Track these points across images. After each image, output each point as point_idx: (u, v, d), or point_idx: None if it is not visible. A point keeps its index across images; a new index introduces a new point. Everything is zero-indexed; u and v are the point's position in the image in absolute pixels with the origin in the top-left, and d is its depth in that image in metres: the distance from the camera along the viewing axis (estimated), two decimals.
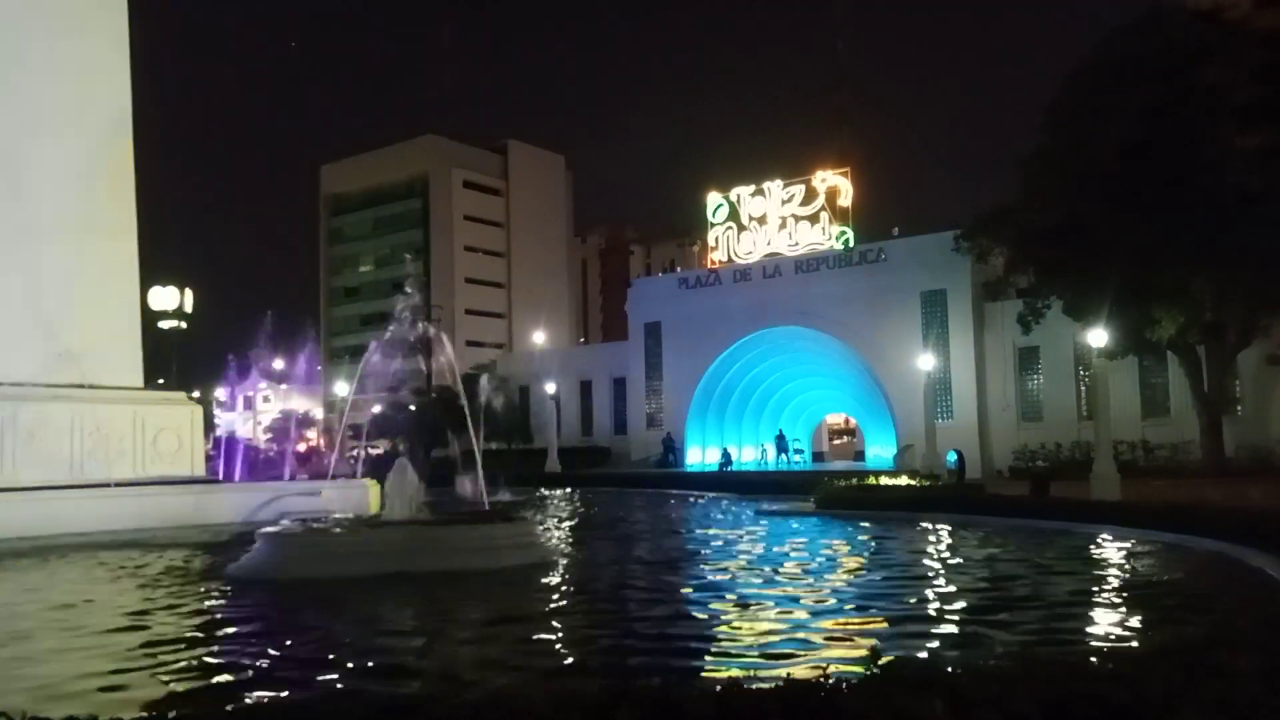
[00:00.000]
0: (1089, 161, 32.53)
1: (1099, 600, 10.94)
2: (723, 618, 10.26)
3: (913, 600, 11.27)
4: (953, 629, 9.49)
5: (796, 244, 49.36)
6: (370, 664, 8.34)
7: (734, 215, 51.34)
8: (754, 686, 4.65)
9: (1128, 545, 15.71)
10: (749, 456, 54.41)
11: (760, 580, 12.85)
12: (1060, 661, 5.14)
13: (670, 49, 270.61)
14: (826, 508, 23.76)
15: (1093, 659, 5.48)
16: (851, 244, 47.91)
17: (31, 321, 22.40)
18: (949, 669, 4.94)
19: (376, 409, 58.30)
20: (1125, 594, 11.33)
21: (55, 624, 10.39)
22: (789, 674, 6.77)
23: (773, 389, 55.63)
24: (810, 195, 49.11)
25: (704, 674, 7.58)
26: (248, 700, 6.98)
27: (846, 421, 74.63)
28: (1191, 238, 29.95)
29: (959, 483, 29.34)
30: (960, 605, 10.80)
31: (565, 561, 15.01)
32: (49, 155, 23.56)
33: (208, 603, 11.81)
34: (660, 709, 4.26)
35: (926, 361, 38.22)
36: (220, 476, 29.14)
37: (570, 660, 8.45)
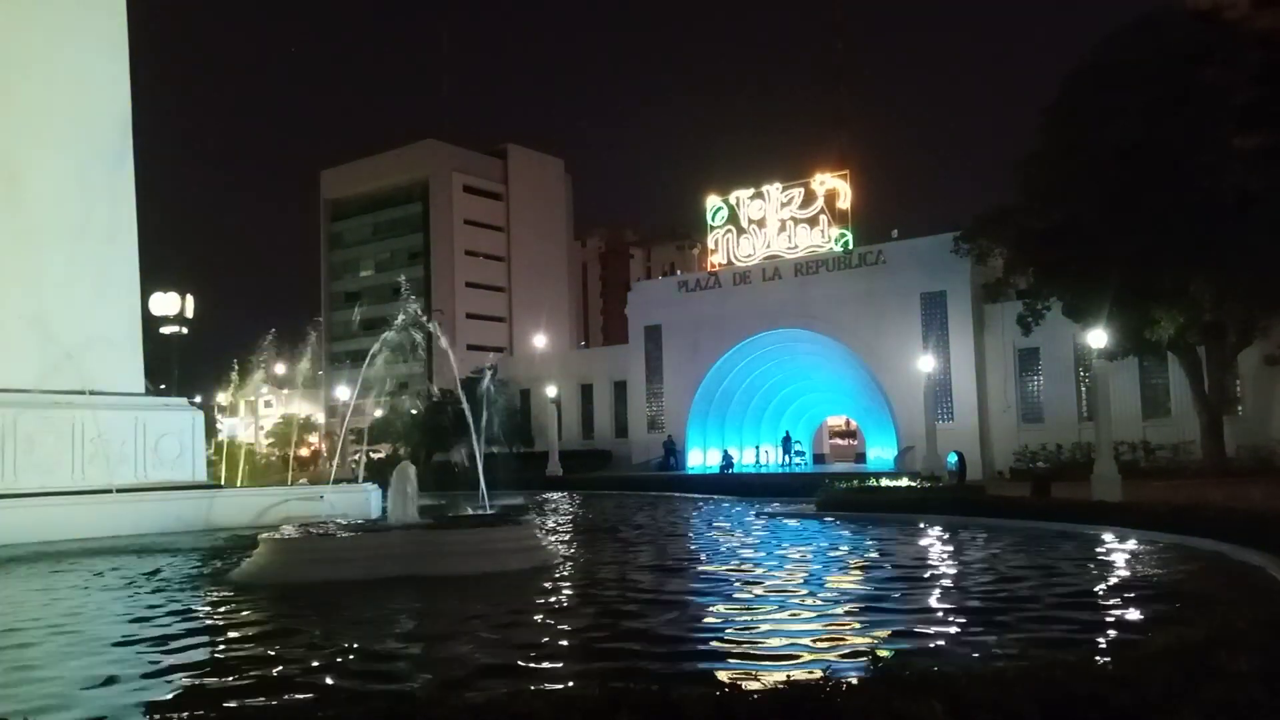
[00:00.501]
0: (1088, 162, 32.54)
1: (1099, 601, 10.94)
2: (723, 620, 10.27)
3: (912, 602, 11.28)
4: (952, 631, 9.50)
5: (796, 246, 49.38)
6: (371, 668, 8.36)
7: (733, 218, 51.37)
8: (754, 689, 4.66)
9: (1129, 546, 15.72)
10: (750, 459, 54.41)
11: (760, 582, 12.85)
12: (1060, 663, 5.15)
13: (669, 52, 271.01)
14: (827, 510, 23.79)
15: (1092, 660, 5.48)
16: (851, 246, 47.91)
17: (32, 328, 22.43)
18: (948, 671, 4.95)
19: (378, 413, 58.42)
20: (1125, 595, 11.33)
21: (57, 629, 10.40)
22: (789, 676, 6.78)
23: (773, 391, 55.63)
24: (809, 198, 49.13)
25: (704, 677, 7.59)
26: (249, 704, 7.00)
27: (847, 423, 74.57)
28: (1191, 238, 29.95)
29: (960, 484, 29.34)
30: (960, 607, 10.81)
31: (567, 565, 15.02)
32: (49, 161, 23.62)
33: (210, 607, 11.83)
34: (660, 712, 4.27)
35: (926, 363, 38.22)
36: (222, 482, 29.18)
37: (571, 664, 8.46)
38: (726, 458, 48.93)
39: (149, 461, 23.89)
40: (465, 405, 21.12)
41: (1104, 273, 31.34)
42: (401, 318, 22.87)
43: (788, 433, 53.43)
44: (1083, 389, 41.58)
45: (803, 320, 48.19)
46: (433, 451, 52.33)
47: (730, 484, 37.30)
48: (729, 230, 51.57)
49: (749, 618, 10.31)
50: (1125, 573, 13.34)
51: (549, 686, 7.43)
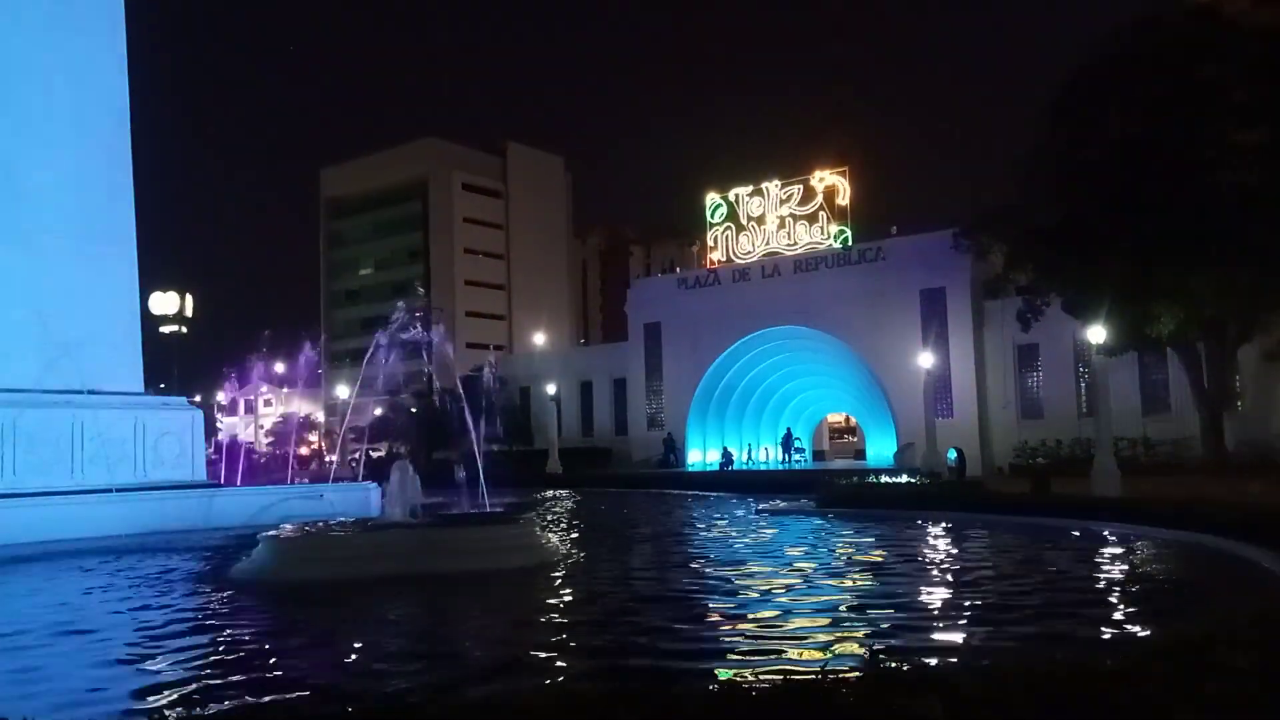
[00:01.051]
0: (1088, 159, 32.49)
1: (1099, 597, 10.95)
2: (723, 617, 10.28)
3: (911, 598, 11.29)
4: (952, 627, 9.51)
5: (795, 243, 49.36)
6: (370, 665, 8.37)
7: (732, 215, 51.35)
8: (753, 687, 4.66)
9: (1128, 542, 15.72)
10: (750, 456, 54.40)
11: (760, 580, 12.86)
12: (1059, 660, 5.15)
13: (668, 49, 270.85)
14: (827, 507, 23.79)
15: (1091, 657, 5.49)
16: (850, 243, 47.89)
17: (31, 327, 22.42)
18: (948, 668, 4.95)
19: (378, 411, 58.42)
20: (1124, 591, 11.35)
21: (57, 628, 10.40)
22: (788, 674, 6.78)
23: (773, 389, 55.63)
24: (809, 195, 49.10)
25: (704, 674, 7.59)
26: (248, 702, 7.00)
27: (847, 420, 74.53)
28: (1190, 234, 29.94)
29: (960, 480, 29.35)
30: (958, 603, 10.82)
31: (566, 563, 15.02)
32: (48, 161, 23.59)
33: (210, 605, 11.84)
34: (660, 710, 4.27)
35: (926, 359, 38.19)
36: (222, 481, 29.17)
37: (570, 661, 8.46)
38: (726, 455, 48.94)
39: (149, 461, 23.87)
40: (465, 403, 21.10)
41: (1104, 269, 31.33)
42: (401, 317, 22.84)
43: (789, 429, 53.46)
44: (1082, 385, 41.58)
45: (802, 317, 48.17)
46: (433, 449, 52.36)
47: (730, 481, 37.31)
48: (728, 227, 51.56)
49: (748, 615, 10.31)
50: (1124, 568, 13.35)
51: (549, 684, 7.45)
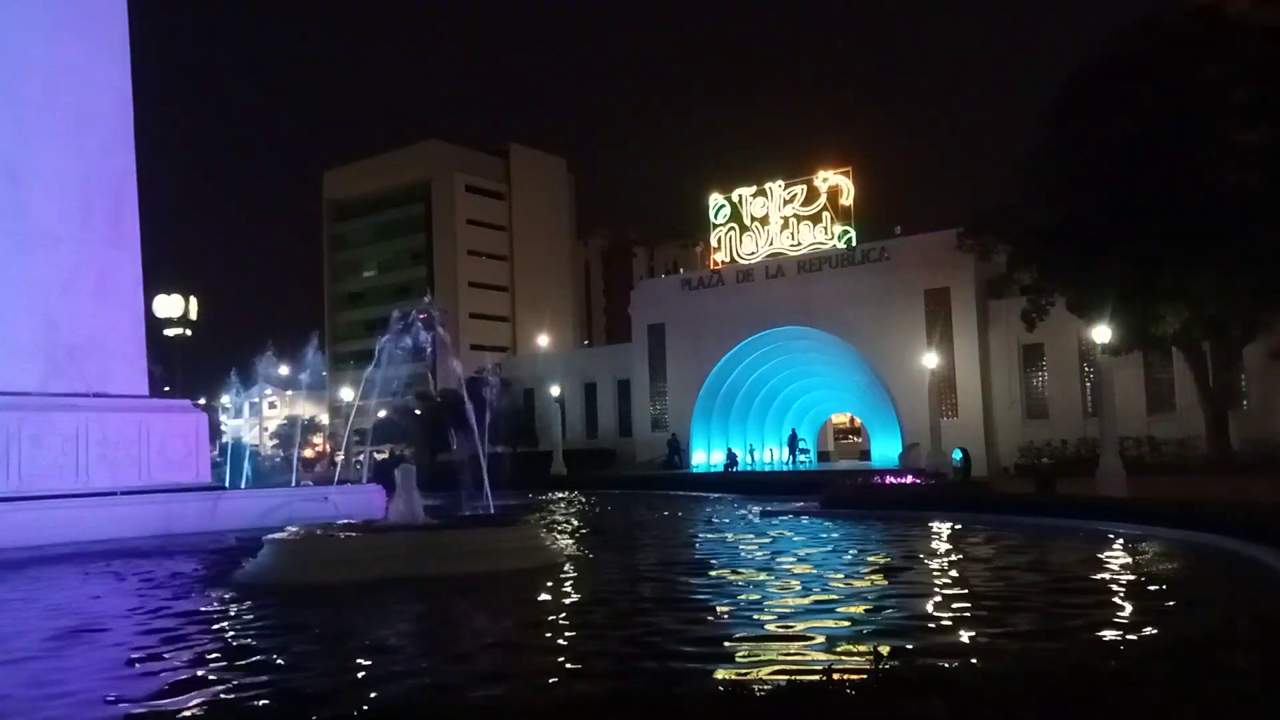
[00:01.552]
0: (1091, 159, 32.46)
1: (1102, 597, 10.94)
2: (726, 618, 10.28)
3: (916, 599, 11.29)
4: (955, 627, 9.51)
5: (799, 244, 49.35)
6: (374, 667, 8.38)
7: (736, 216, 51.35)
8: (757, 687, 4.68)
9: (1133, 542, 15.70)
10: (754, 457, 54.37)
11: (764, 581, 12.87)
12: (1061, 661, 5.16)
13: (671, 50, 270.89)
14: (832, 507, 23.76)
15: (1093, 657, 5.49)
16: (854, 243, 47.87)
17: (35, 331, 22.49)
18: (950, 668, 4.96)
19: (382, 414, 58.43)
20: (1128, 591, 11.34)
21: (61, 631, 10.43)
22: (791, 675, 6.79)
23: (777, 389, 55.59)
24: (812, 195, 49.09)
25: (707, 675, 7.60)
26: (252, 704, 7.02)
27: (851, 421, 74.43)
28: (1192, 234, 29.91)
29: (964, 481, 29.32)
30: (963, 603, 10.81)
31: (571, 565, 15.03)
32: (51, 164, 23.65)
33: (215, 608, 11.86)
34: (662, 711, 4.29)
35: (930, 360, 38.17)
36: (226, 483, 29.21)
37: (573, 663, 8.48)
38: (730, 456, 48.91)
39: (154, 463, 23.91)
40: (468, 405, 21.09)
41: (1107, 268, 31.30)
42: (403, 319, 22.81)
43: (794, 430, 53.41)
44: (1087, 385, 41.53)
45: (806, 318, 48.16)
46: (436, 452, 52.37)
47: (735, 482, 37.29)
48: (732, 228, 51.55)
49: (752, 615, 10.31)
50: (1128, 568, 13.33)
51: (552, 684, 7.47)
